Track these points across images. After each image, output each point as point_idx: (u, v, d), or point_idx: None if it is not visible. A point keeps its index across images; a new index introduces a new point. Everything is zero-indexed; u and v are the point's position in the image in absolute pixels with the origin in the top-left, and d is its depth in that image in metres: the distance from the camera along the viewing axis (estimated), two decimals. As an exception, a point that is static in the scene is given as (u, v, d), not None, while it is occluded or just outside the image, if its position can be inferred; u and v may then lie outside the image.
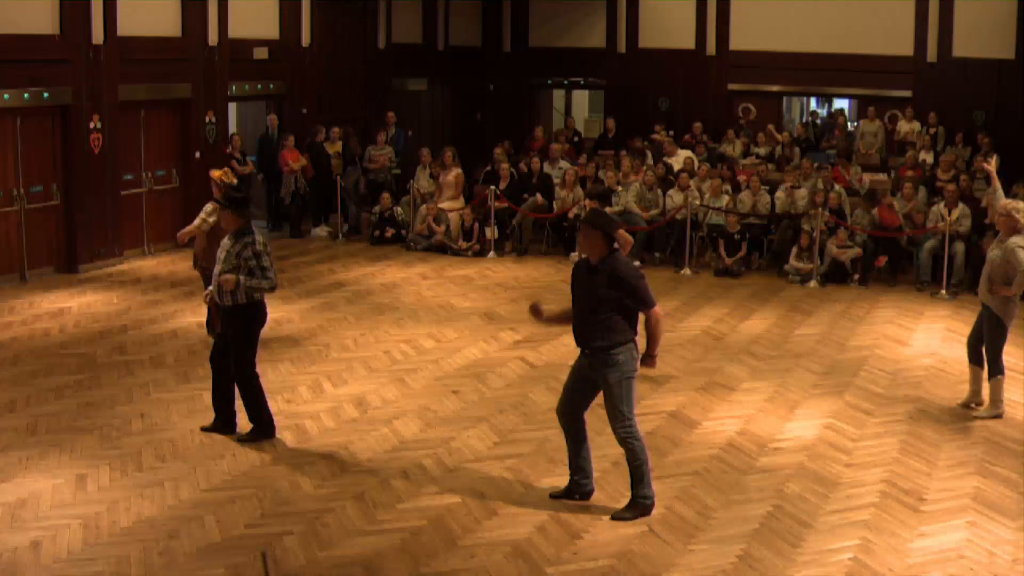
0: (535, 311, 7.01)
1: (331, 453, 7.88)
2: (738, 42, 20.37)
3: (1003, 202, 8.71)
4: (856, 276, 13.80)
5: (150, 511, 6.86)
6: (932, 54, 18.80)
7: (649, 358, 6.82)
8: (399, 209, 16.44)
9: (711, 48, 20.56)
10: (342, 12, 18.55)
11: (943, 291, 13.27)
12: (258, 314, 7.99)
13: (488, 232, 15.56)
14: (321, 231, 16.99)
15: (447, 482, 7.40)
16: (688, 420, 8.70)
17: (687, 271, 14.32)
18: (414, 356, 10.44)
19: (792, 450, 8.05)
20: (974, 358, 8.98)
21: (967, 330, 11.56)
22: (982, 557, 6.35)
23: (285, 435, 8.23)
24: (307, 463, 7.68)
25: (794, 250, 14.08)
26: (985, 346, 8.83)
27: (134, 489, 7.19)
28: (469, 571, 6.16)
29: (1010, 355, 10.61)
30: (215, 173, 10.46)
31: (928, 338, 11.33)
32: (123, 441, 8.06)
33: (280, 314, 11.92)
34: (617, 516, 6.79)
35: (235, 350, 7.94)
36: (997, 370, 8.79)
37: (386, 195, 16.33)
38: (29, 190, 13.45)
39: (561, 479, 7.37)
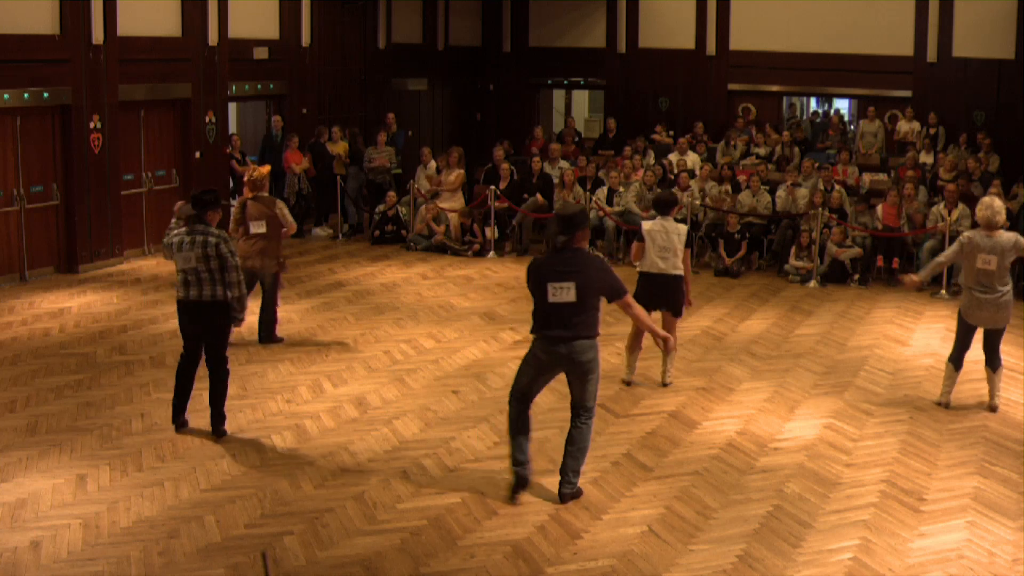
0: None
1: (331, 453, 7.89)
2: (738, 42, 20.37)
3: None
4: (856, 276, 13.81)
5: (150, 511, 6.86)
6: (932, 54, 18.80)
7: None
8: (402, 209, 16.45)
9: (711, 48, 20.57)
10: (342, 12, 18.56)
11: (943, 291, 13.27)
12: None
13: (488, 232, 15.57)
14: (322, 231, 17.00)
15: (447, 482, 7.41)
16: (688, 420, 8.70)
17: (687, 271, 14.30)
18: (414, 356, 10.44)
19: (792, 450, 8.05)
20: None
21: (967, 330, 11.64)
22: (982, 557, 6.35)
23: (285, 435, 8.24)
24: (307, 463, 7.68)
25: (793, 249, 14.09)
26: None
27: (134, 489, 7.19)
28: (469, 571, 6.16)
29: (1010, 355, 10.65)
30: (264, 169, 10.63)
31: (928, 338, 11.34)
32: (123, 441, 8.07)
33: (280, 314, 11.91)
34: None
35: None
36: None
37: (391, 194, 16.36)
38: (29, 190, 13.45)
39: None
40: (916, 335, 11.45)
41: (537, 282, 6.81)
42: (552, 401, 9.11)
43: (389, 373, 9.88)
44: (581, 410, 7.02)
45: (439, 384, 9.60)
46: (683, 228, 9.38)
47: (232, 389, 9.28)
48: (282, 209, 10.31)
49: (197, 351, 8.27)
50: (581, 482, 7.33)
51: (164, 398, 9.06)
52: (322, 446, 8.01)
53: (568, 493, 7.05)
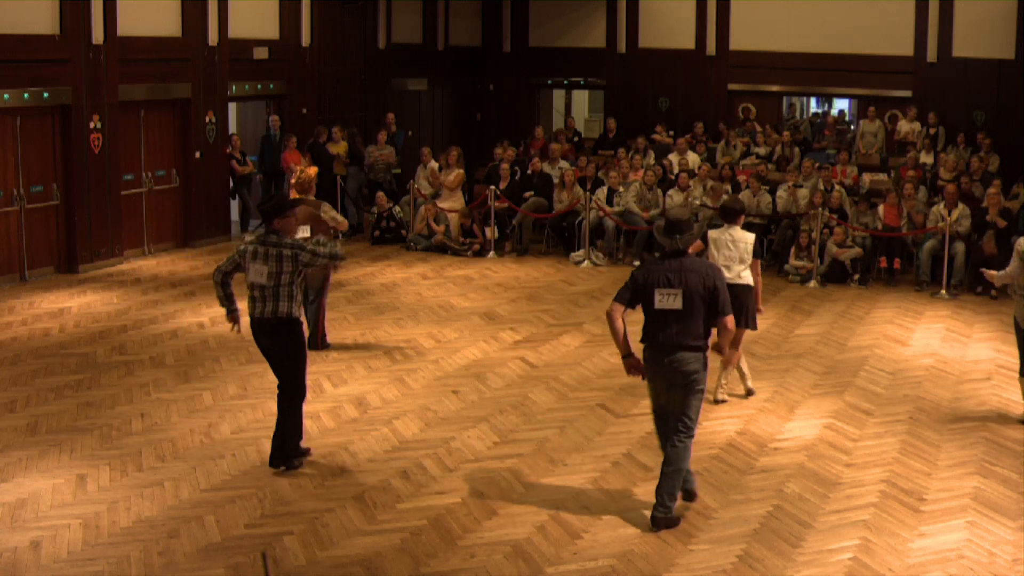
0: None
1: (331, 453, 7.88)
2: (738, 42, 20.36)
3: None
4: (856, 276, 13.80)
5: (150, 511, 6.86)
6: (932, 54, 18.79)
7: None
8: (397, 208, 16.45)
9: (711, 48, 20.56)
10: (342, 12, 18.55)
11: (943, 291, 13.27)
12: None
13: (488, 232, 15.57)
14: (322, 231, 16.98)
15: (447, 482, 7.40)
16: (688, 420, 8.69)
17: (687, 271, 14.27)
18: (414, 356, 10.44)
19: (792, 450, 8.05)
20: None
21: (967, 330, 11.66)
22: (982, 557, 6.35)
23: (285, 435, 8.24)
24: (307, 463, 7.67)
25: (793, 249, 14.08)
26: None
27: (134, 489, 7.19)
28: (469, 571, 6.16)
29: (1011, 355, 10.64)
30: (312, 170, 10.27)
31: (928, 338, 11.33)
32: (123, 441, 8.07)
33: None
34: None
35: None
36: None
37: (381, 194, 16.34)
38: (29, 190, 13.45)
39: (561, 479, 7.39)
40: (916, 335, 11.45)
41: (645, 287, 6.57)
42: (551, 401, 9.12)
43: (389, 373, 9.88)
44: (680, 425, 6.63)
45: (439, 384, 9.59)
46: (750, 237, 8.84)
47: (232, 389, 9.31)
48: (328, 211, 9.97)
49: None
50: (581, 480, 7.34)
51: (164, 398, 9.06)
52: (322, 446, 8.01)
53: (661, 518, 6.63)
